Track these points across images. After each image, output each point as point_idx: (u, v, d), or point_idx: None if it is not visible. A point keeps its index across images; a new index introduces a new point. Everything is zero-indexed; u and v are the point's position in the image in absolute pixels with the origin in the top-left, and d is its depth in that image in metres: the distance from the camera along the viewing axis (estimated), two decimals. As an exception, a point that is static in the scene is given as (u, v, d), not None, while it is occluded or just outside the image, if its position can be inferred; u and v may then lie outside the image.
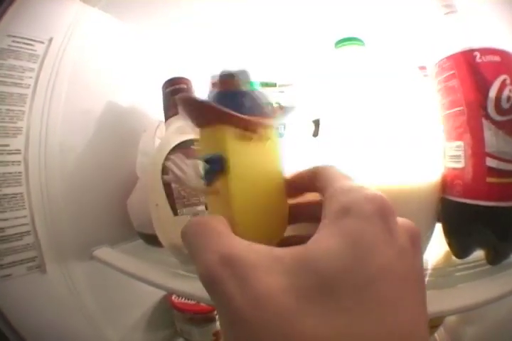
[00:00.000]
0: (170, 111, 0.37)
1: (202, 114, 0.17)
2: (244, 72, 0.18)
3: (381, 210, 0.13)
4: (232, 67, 0.19)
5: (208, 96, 0.18)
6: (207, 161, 0.17)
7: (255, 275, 0.11)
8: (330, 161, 0.24)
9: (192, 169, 0.17)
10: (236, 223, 0.16)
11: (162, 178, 0.29)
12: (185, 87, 0.38)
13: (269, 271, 0.11)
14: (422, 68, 0.32)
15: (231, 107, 0.16)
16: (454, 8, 0.27)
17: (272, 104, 0.19)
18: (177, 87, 0.38)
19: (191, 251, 0.13)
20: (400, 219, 0.14)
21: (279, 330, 0.10)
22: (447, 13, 0.27)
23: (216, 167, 0.16)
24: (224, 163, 0.16)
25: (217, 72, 0.18)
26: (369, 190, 0.14)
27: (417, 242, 0.14)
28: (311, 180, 0.17)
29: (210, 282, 0.12)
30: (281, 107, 0.22)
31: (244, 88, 0.18)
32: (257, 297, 0.10)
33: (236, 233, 0.15)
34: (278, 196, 0.19)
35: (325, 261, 0.11)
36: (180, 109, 0.17)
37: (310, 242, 0.12)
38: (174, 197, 0.30)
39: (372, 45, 0.32)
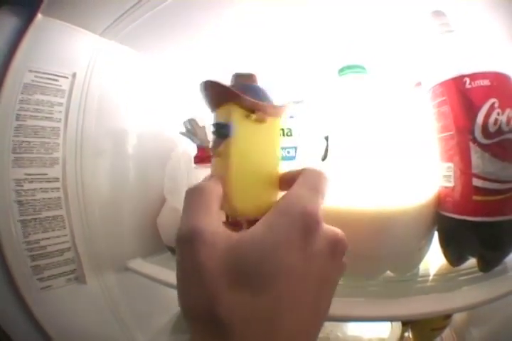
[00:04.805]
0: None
1: (216, 94, 0.20)
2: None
3: (306, 223, 0.16)
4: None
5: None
6: (216, 125, 0.20)
7: (201, 248, 0.15)
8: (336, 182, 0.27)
9: (203, 131, 0.20)
10: (230, 184, 0.19)
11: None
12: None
13: (213, 249, 0.15)
14: (419, 84, 0.34)
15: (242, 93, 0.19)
16: (451, 28, 0.28)
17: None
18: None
19: (182, 212, 0.17)
20: (330, 229, 0.17)
21: (200, 284, 0.14)
22: (444, 32, 0.28)
23: (223, 131, 0.19)
24: (229, 129, 0.19)
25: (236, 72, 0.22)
26: (310, 205, 0.16)
27: (337, 250, 0.16)
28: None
29: (176, 241, 0.16)
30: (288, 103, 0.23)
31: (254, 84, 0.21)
32: (194, 263, 0.15)
33: (229, 194, 0.19)
34: (271, 171, 0.22)
35: (243, 253, 0.15)
36: (200, 92, 0.20)
37: (246, 232, 0.16)
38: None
39: (374, 65, 0.32)
